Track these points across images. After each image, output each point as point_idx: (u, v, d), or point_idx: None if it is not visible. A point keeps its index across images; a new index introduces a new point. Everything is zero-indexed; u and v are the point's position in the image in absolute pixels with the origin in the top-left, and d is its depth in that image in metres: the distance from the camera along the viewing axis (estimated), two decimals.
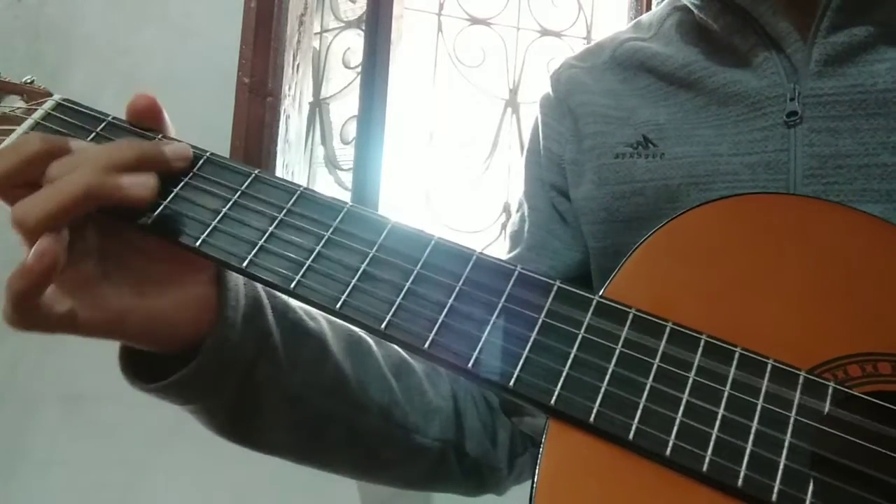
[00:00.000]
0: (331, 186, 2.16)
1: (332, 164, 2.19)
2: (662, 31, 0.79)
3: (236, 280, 0.59)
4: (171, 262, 0.57)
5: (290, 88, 2.05)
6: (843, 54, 0.66)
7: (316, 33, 2.22)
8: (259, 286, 0.61)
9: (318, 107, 2.23)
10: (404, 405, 0.69)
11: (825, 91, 0.65)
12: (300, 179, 2.12)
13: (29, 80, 0.63)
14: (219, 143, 1.88)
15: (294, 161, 2.07)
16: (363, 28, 2.15)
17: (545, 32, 2.24)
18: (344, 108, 2.20)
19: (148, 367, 0.58)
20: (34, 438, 1.85)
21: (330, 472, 0.70)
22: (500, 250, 0.85)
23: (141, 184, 0.53)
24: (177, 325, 0.56)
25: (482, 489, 0.77)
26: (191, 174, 0.57)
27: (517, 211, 0.86)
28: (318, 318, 0.66)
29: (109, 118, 0.60)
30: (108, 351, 0.59)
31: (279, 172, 1.97)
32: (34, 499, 1.83)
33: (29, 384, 1.85)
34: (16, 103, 0.61)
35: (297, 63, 2.09)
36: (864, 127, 0.64)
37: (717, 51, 0.73)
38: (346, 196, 2.08)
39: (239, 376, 0.59)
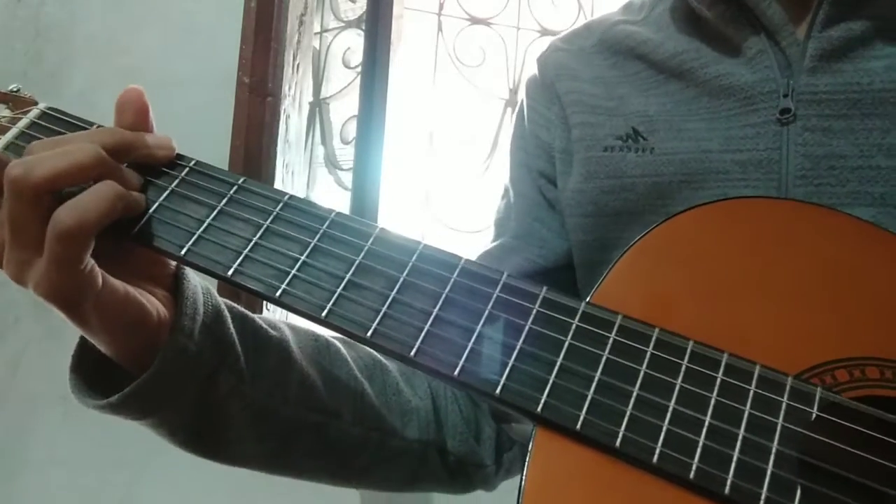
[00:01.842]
0: (331, 186, 2.16)
1: (332, 164, 2.19)
2: (654, 14, 0.78)
3: (194, 289, 0.58)
4: (130, 269, 0.56)
5: (290, 88, 2.05)
6: (838, 49, 0.64)
7: (316, 33, 2.22)
8: (220, 297, 0.61)
9: (318, 107, 2.23)
10: (378, 408, 0.68)
11: (820, 88, 0.64)
12: (300, 179, 2.12)
13: (15, 89, 0.63)
14: (219, 143, 1.88)
15: (294, 161, 2.07)
16: (363, 28, 2.14)
17: (545, 32, 2.24)
18: (344, 108, 2.20)
19: (100, 390, 0.57)
20: (34, 438, 1.85)
21: (306, 479, 0.69)
22: (486, 243, 0.83)
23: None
24: (147, 320, 0.55)
25: (470, 487, 0.76)
26: (175, 183, 0.57)
27: (502, 198, 0.84)
28: (280, 327, 0.65)
29: (94, 126, 0.60)
30: None
31: (279, 172, 1.97)
32: (34, 499, 1.83)
33: (29, 384, 1.85)
34: (1, 112, 0.62)
35: (297, 63, 2.09)
36: (859, 127, 0.63)
37: (710, 40, 0.71)
38: (346, 196, 2.08)
39: (199, 387, 0.58)
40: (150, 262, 0.58)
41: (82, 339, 0.58)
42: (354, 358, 0.69)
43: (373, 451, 0.68)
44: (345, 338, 0.69)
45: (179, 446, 0.61)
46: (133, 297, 0.54)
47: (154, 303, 0.56)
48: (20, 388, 1.86)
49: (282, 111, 2.01)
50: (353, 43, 2.21)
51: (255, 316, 0.64)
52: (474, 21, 2.24)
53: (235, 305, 0.62)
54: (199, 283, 0.59)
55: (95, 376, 0.58)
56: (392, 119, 2.07)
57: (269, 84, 1.99)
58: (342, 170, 2.17)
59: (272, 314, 1.89)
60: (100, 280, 0.52)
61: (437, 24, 2.24)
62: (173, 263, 0.59)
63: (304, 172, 2.15)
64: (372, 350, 0.71)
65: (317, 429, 0.65)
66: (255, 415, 0.61)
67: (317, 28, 2.23)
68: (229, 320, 0.60)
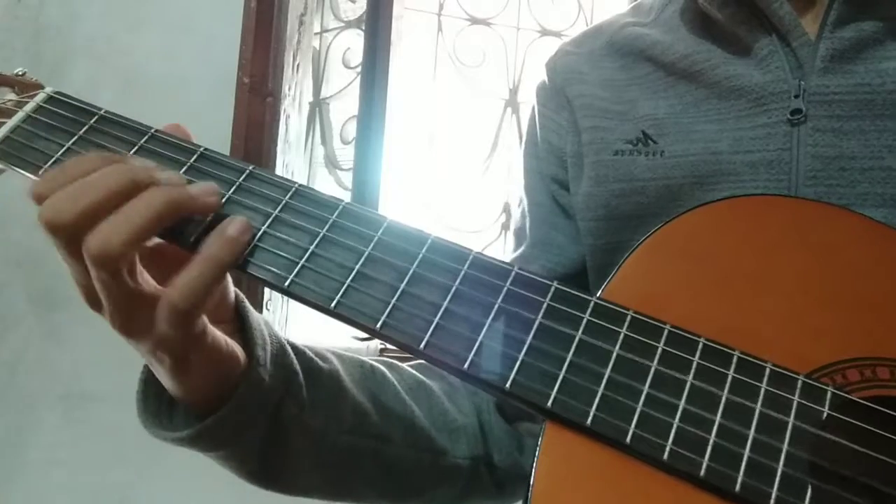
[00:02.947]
0: (331, 186, 2.16)
1: (332, 164, 2.19)
2: (664, 16, 0.77)
3: (258, 322, 0.59)
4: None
5: (290, 88, 2.04)
6: (850, 50, 0.64)
7: (316, 33, 2.22)
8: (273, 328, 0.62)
9: (318, 107, 2.22)
10: (428, 429, 0.69)
11: (831, 89, 0.64)
12: (300, 179, 2.11)
13: (20, 73, 0.63)
14: (219, 143, 1.87)
15: (294, 161, 2.07)
16: (363, 28, 2.14)
17: (545, 32, 2.24)
18: (344, 108, 2.20)
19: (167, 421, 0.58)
20: (34, 438, 1.84)
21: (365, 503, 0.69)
22: (500, 250, 0.84)
23: (210, 191, 0.53)
24: (225, 357, 0.55)
25: (515, 498, 0.76)
26: (183, 170, 0.57)
27: (518, 206, 0.84)
28: (328, 357, 0.66)
29: (101, 111, 0.59)
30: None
31: (279, 172, 1.96)
32: (34, 499, 1.83)
33: (29, 384, 1.85)
34: (7, 95, 0.61)
35: (297, 63, 2.08)
36: (870, 129, 0.62)
37: (721, 42, 0.70)
38: (346, 196, 2.08)
39: (268, 417, 0.59)
40: (218, 298, 0.58)
41: (145, 373, 0.58)
42: (399, 381, 0.69)
43: (426, 471, 0.69)
44: (388, 361, 0.70)
45: (245, 477, 0.62)
46: (230, 346, 0.55)
47: (231, 343, 0.56)
48: (20, 388, 1.85)
49: (282, 111, 2.00)
50: (353, 43, 2.21)
51: (305, 346, 0.64)
52: (474, 21, 2.24)
53: (288, 338, 0.63)
54: (259, 316, 0.60)
55: (161, 411, 0.58)
56: (392, 119, 2.06)
57: (269, 84, 1.98)
58: (342, 170, 2.17)
59: (272, 314, 1.88)
60: (209, 337, 0.53)
61: (437, 24, 2.23)
62: (233, 297, 0.59)
63: (304, 172, 2.15)
64: (414, 372, 0.72)
65: (372, 454, 0.65)
66: (314, 443, 0.62)
67: (317, 28, 2.22)
68: (290, 351, 0.61)
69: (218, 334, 0.54)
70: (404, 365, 0.73)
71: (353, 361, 0.68)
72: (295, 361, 0.61)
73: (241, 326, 0.58)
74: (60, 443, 1.83)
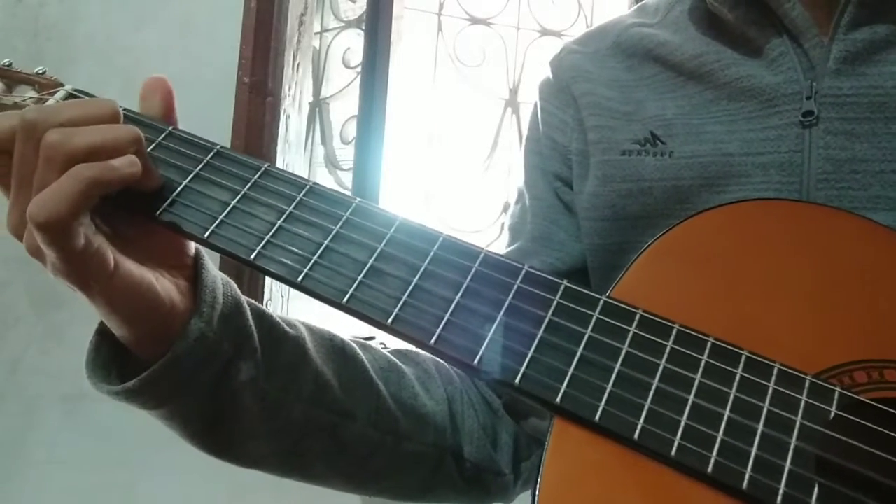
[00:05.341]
0: (331, 186, 2.14)
1: (332, 164, 2.19)
2: (671, 17, 0.76)
3: (213, 280, 0.58)
4: (150, 255, 0.56)
5: (290, 88, 2.04)
6: (863, 52, 0.63)
7: (316, 33, 2.22)
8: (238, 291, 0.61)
9: (318, 107, 2.23)
10: (394, 411, 0.67)
11: (844, 91, 0.63)
12: None
13: (41, 71, 0.63)
14: (219, 142, 1.88)
15: (294, 161, 2.07)
16: (363, 28, 2.14)
17: (545, 32, 2.24)
18: (344, 108, 2.20)
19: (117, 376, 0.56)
20: (34, 438, 1.85)
21: (318, 484, 0.68)
22: (500, 249, 0.83)
23: (130, 162, 0.52)
24: (151, 299, 0.54)
25: (487, 497, 0.74)
26: (200, 166, 0.57)
27: (517, 202, 0.83)
28: (297, 325, 0.65)
29: (121, 109, 0.60)
30: None
31: None
32: (34, 499, 1.83)
33: (29, 384, 1.85)
34: (27, 93, 0.62)
35: (297, 63, 2.09)
36: (882, 131, 0.62)
37: (731, 42, 0.70)
38: None
39: (214, 376, 0.57)
40: (172, 250, 0.57)
41: (100, 326, 0.57)
42: (370, 360, 0.68)
43: (387, 454, 0.67)
44: (360, 341, 0.69)
45: (191, 440, 0.60)
46: (147, 282, 0.53)
47: (168, 289, 0.55)
48: (20, 388, 1.85)
49: (282, 111, 2.01)
50: (353, 43, 2.21)
51: (273, 313, 0.63)
52: (474, 21, 2.24)
53: (255, 301, 0.62)
54: (219, 275, 0.59)
55: (112, 365, 0.57)
56: (392, 119, 2.07)
57: (269, 84, 1.98)
58: (342, 170, 2.17)
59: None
60: (111, 261, 0.51)
61: (437, 24, 2.24)
62: (193, 253, 0.59)
63: (304, 172, 2.15)
64: (388, 354, 0.71)
65: (330, 429, 0.64)
66: (268, 410, 0.61)
67: (317, 28, 2.22)
68: (248, 312, 0.60)
69: (135, 271, 0.53)
70: (378, 347, 0.71)
71: (324, 334, 0.67)
72: (251, 324, 0.59)
73: (195, 283, 0.58)
74: (61, 443, 1.84)
